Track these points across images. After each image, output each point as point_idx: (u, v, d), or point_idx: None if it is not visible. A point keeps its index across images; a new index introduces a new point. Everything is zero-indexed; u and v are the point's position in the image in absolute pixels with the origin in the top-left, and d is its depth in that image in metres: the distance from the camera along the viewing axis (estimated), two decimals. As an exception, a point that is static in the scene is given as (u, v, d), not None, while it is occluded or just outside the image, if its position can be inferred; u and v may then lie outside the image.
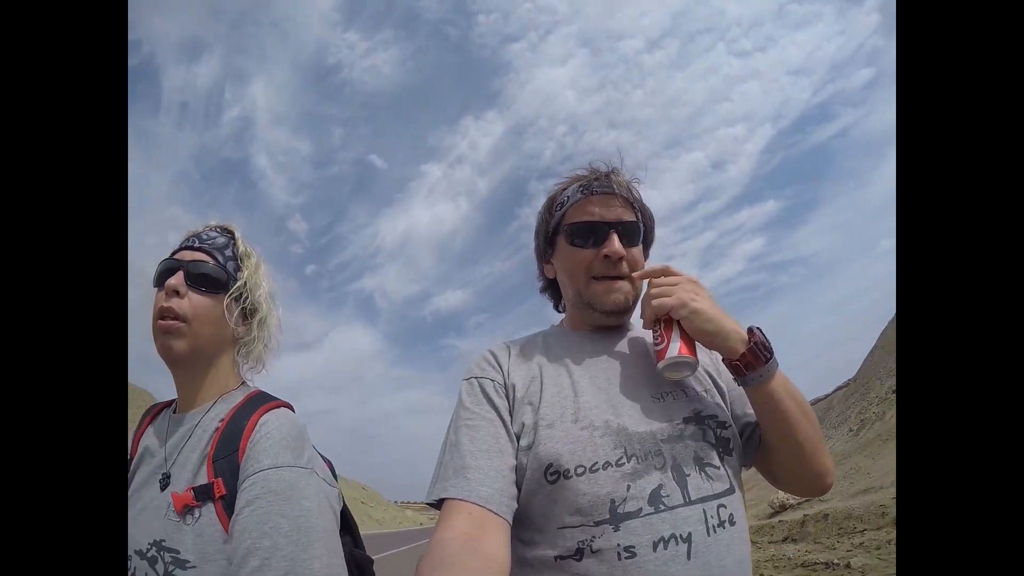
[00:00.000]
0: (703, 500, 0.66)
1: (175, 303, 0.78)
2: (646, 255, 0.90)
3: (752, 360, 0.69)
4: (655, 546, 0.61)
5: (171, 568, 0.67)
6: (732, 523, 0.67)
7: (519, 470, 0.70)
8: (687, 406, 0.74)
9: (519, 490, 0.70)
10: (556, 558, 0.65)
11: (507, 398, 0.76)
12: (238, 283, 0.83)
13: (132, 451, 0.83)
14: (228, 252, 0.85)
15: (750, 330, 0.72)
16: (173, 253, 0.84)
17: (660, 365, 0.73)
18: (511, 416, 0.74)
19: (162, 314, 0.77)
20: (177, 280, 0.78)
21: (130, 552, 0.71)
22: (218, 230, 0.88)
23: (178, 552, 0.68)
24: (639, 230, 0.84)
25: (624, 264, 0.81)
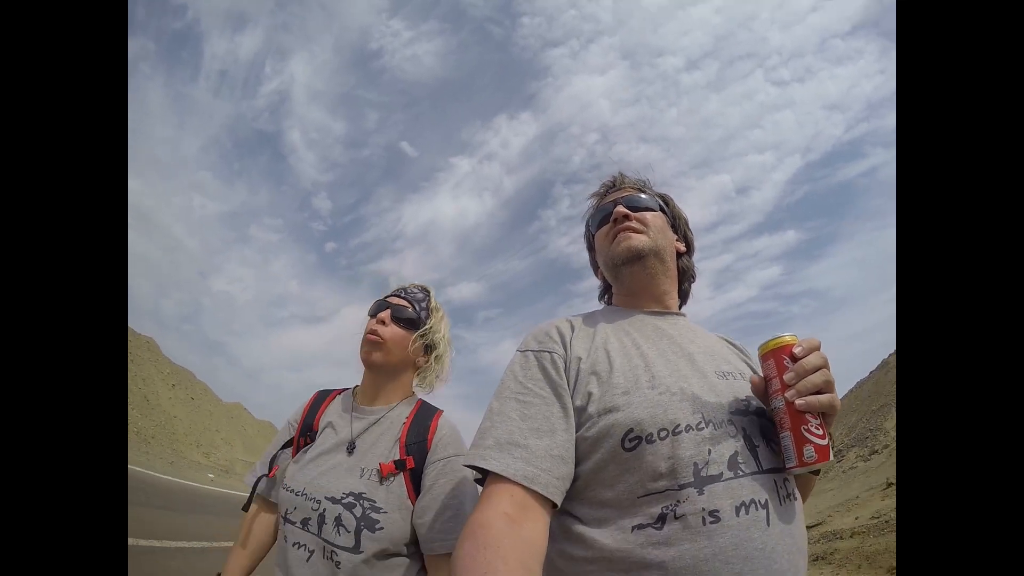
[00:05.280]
0: (773, 471, 0.66)
1: (380, 329, 1.12)
2: (683, 238, 0.97)
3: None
4: (737, 510, 0.61)
5: (368, 511, 0.96)
6: (795, 498, 0.68)
7: (583, 444, 0.69)
8: (750, 388, 0.74)
9: (582, 465, 0.69)
10: (634, 528, 0.63)
11: (568, 373, 0.75)
12: (426, 327, 1.17)
13: (315, 423, 1.13)
14: (423, 304, 1.19)
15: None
16: (386, 296, 1.20)
17: (823, 464, 0.64)
18: (573, 390, 0.73)
19: (371, 333, 1.11)
20: (385, 315, 1.14)
21: (319, 497, 0.98)
22: (419, 287, 1.23)
23: (374, 501, 0.97)
24: (646, 199, 0.93)
25: (636, 223, 0.88)
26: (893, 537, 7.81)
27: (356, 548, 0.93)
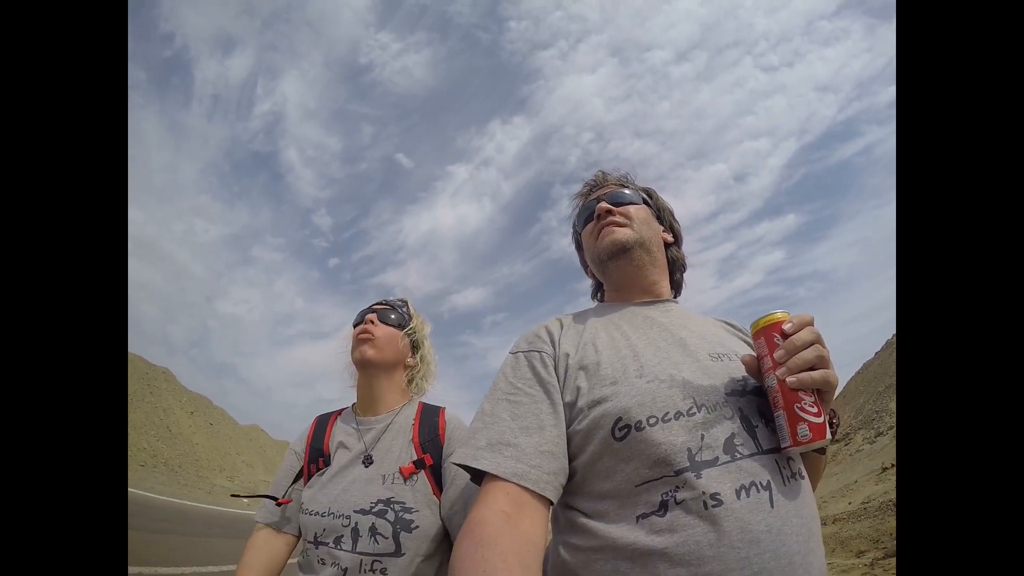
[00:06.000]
0: (774, 451, 0.65)
1: (371, 327, 1.19)
2: (670, 229, 0.98)
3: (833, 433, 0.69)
4: (738, 493, 0.59)
5: (400, 513, 0.99)
6: (802, 476, 0.67)
7: (576, 438, 0.69)
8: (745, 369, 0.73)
9: (578, 459, 0.69)
10: (638, 518, 0.62)
11: (557, 370, 0.75)
12: (410, 325, 1.26)
13: (324, 446, 1.15)
14: (403, 309, 1.29)
15: (831, 410, 0.71)
16: (369, 307, 1.28)
17: (819, 443, 0.63)
18: (563, 386, 0.73)
19: (361, 332, 1.18)
20: (372, 316, 1.22)
21: (347, 512, 0.99)
22: (396, 298, 1.33)
23: (404, 502, 1.00)
24: (629, 193, 0.95)
25: (619, 217, 0.90)
26: (870, 523, 7.98)
27: (398, 551, 0.95)
